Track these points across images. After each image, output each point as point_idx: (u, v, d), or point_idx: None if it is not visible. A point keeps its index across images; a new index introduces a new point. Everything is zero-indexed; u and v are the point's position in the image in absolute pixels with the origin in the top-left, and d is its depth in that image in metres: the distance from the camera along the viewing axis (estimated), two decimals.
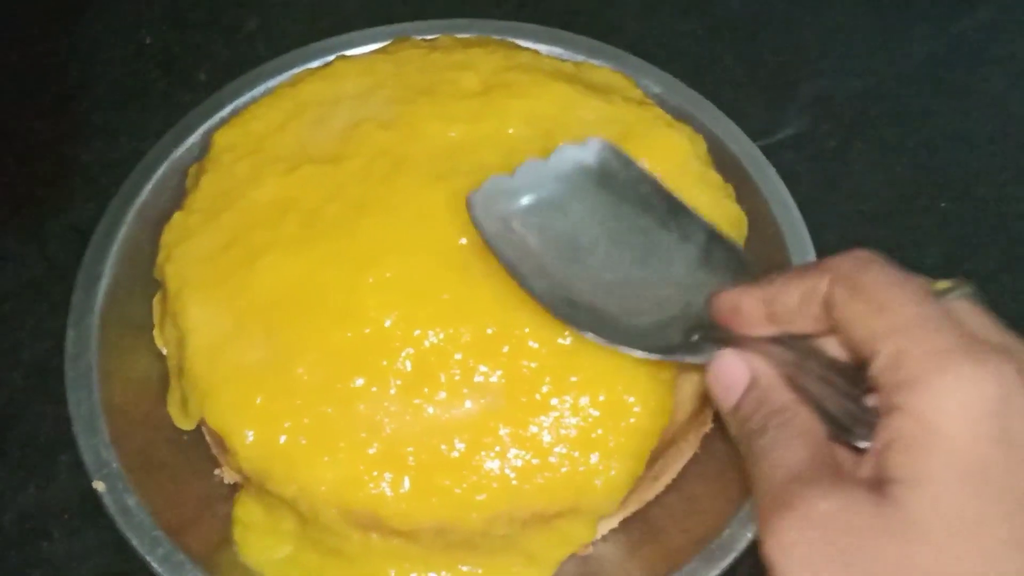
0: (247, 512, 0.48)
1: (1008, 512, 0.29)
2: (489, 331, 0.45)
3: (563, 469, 0.44)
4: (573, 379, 0.45)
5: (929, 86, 0.67)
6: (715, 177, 0.52)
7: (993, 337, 0.32)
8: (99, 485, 0.47)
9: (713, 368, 0.38)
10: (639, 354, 0.41)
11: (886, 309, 0.32)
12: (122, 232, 0.54)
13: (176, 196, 0.55)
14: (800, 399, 0.35)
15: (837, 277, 0.34)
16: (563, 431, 0.44)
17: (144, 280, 0.53)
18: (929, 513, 0.29)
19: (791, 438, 0.34)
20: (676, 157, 0.51)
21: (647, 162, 0.48)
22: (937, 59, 0.68)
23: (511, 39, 0.60)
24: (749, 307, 0.36)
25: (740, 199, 0.55)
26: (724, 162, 0.56)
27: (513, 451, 0.44)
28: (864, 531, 0.30)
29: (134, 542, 0.46)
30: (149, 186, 0.56)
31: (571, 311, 0.43)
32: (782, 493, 0.32)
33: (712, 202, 0.50)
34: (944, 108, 0.66)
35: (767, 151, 0.57)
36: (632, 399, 0.44)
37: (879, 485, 0.31)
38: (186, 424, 0.50)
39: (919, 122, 0.65)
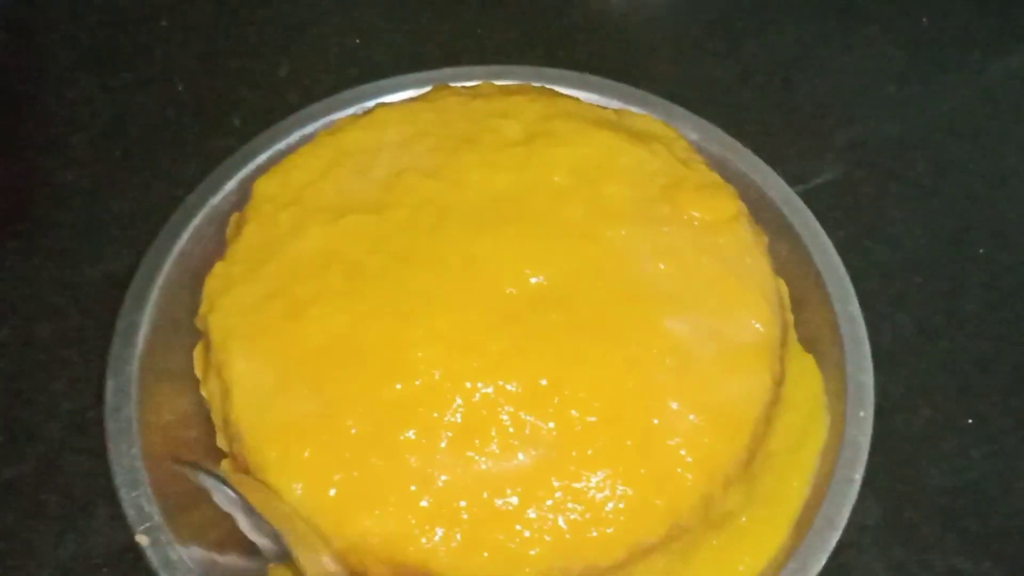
0: None
1: None
2: (542, 383, 0.45)
3: (616, 525, 0.43)
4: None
5: (964, 131, 0.67)
6: (762, 240, 0.52)
7: None
8: (142, 539, 0.46)
9: None
10: None
11: None
12: (160, 280, 0.54)
13: (214, 244, 0.54)
14: None
15: None
16: (616, 486, 0.43)
17: (183, 329, 0.52)
18: None
19: None
20: (726, 215, 0.51)
21: (697, 215, 0.48)
22: (971, 104, 0.68)
23: (549, 86, 0.60)
24: None
25: (780, 244, 0.55)
26: (763, 208, 0.56)
27: (566, 504, 0.43)
28: None
29: None
30: (187, 234, 0.56)
31: None
32: None
33: (758, 271, 0.50)
34: (980, 154, 0.66)
35: (804, 197, 0.57)
36: (686, 455, 0.44)
37: None
38: None
39: (955, 168, 0.65)
